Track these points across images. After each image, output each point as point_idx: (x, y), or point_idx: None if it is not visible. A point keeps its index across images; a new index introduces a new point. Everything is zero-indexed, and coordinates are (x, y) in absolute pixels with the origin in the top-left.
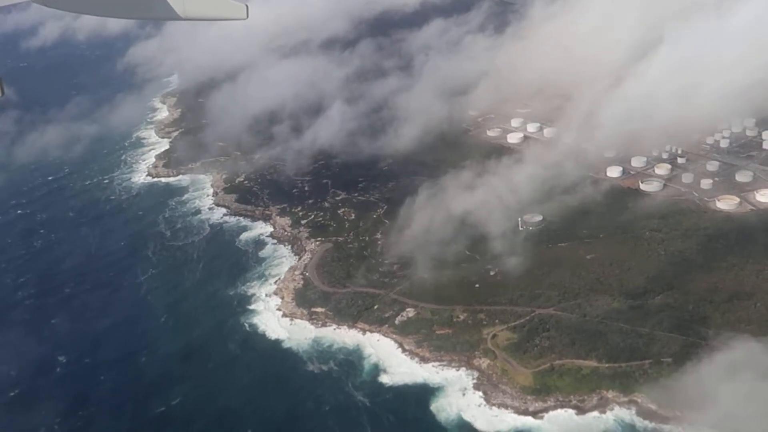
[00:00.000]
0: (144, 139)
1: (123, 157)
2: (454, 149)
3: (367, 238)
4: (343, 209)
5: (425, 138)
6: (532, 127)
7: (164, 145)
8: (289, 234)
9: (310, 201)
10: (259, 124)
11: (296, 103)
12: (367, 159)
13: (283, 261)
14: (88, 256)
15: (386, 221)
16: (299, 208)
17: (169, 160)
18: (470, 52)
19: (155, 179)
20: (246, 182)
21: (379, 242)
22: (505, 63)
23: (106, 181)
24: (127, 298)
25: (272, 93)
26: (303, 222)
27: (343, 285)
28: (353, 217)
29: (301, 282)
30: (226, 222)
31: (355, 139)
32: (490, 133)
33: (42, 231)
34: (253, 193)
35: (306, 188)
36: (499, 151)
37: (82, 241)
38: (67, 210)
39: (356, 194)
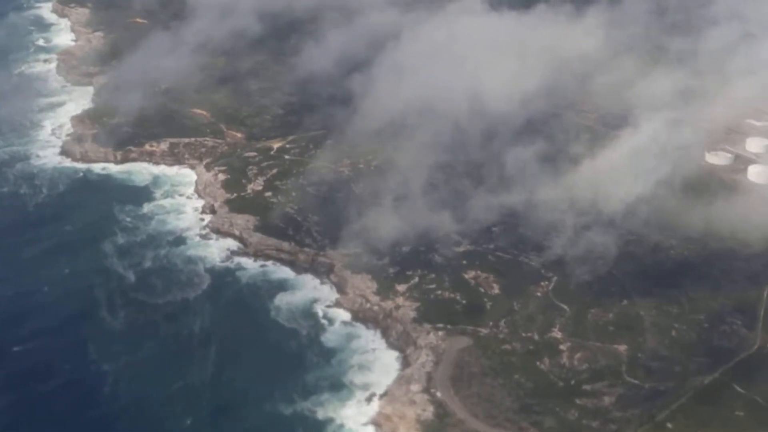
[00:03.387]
0: (38, 80)
1: (2, 111)
2: None
3: (536, 336)
4: (473, 272)
5: None
6: None
7: (82, 96)
8: (376, 309)
9: (406, 248)
10: (284, 87)
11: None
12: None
13: (376, 361)
14: None
15: (564, 307)
16: (386, 260)
17: (104, 130)
18: None
19: (81, 164)
20: (269, 194)
21: (565, 348)
22: None
23: None
24: (90, 410)
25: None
26: (400, 288)
27: (518, 426)
28: (497, 291)
29: (430, 408)
30: (241, 267)
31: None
32: None
33: None
34: (288, 218)
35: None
36: None
37: None
38: None
39: (490, 245)
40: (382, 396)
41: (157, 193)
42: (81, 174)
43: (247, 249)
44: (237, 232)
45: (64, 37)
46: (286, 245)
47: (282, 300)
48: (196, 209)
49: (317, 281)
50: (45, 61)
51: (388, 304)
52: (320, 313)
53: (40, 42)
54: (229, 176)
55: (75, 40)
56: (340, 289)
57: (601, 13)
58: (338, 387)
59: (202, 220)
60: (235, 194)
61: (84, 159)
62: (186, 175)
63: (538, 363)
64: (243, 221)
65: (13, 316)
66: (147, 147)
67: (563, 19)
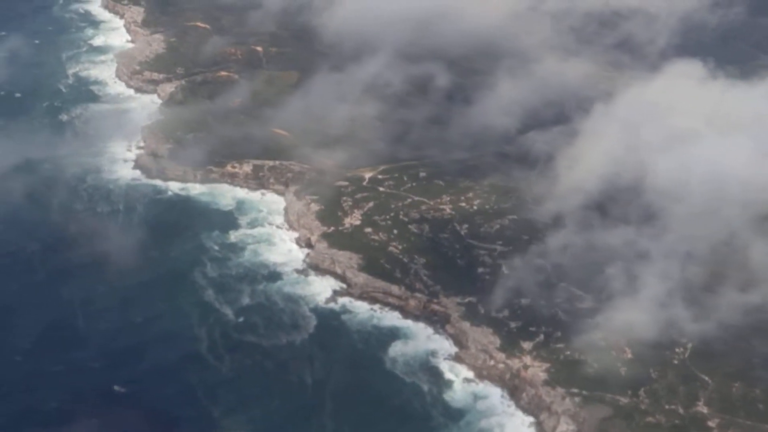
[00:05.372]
0: (96, 84)
1: (64, 117)
2: None
3: (680, 410)
4: (600, 332)
5: None
6: None
7: (148, 105)
8: (502, 367)
9: (525, 300)
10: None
11: None
12: None
13: (508, 425)
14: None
15: (706, 378)
16: (506, 313)
17: (179, 146)
18: None
19: (158, 182)
20: (369, 230)
21: (714, 424)
22: None
23: (48, 166)
24: None
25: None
26: (525, 345)
27: None
28: (630, 355)
29: None
30: (346, 310)
31: None
32: None
33: None
34: (393, 258)
35: (503, 267)
36: None
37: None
38: None
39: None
40: None
41: (243, 221)
42: (159, 194)
43: (350, 290)
44: (339, 271)
45: (118, 37)
46: (395, 289)
47: (397, 350)
48: (289, 241)
49: (430, 330)
50: (102, 62)
51: (515, 363)
52: (443, 368)
53: (95, 41)
54: (322, 207)
55: (132, 41)
56: (458, 342)
57: None
58: None
59: (299, 253)
60: (332, 228)
61: (161, 176)
62: (272, 202)
63: None
64: (345, 259)
65: (112, 352)
66: (229, 168)
67: None
